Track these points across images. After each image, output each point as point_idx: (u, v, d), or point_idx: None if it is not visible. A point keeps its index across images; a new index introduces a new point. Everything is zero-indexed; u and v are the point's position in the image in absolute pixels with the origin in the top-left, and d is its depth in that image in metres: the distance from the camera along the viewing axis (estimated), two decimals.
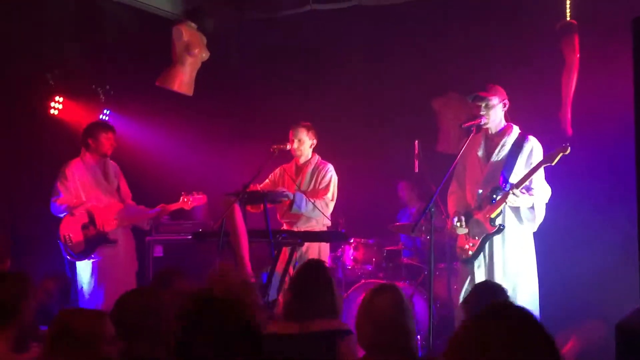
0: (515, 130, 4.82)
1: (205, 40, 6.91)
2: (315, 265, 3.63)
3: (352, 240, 6.32)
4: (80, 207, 5.51)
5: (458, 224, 4.80)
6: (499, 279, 4.60)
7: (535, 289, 4.76)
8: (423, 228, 5.58)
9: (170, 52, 6.79)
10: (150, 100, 6.97)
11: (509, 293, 3.90)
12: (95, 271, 5.52)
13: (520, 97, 5.07)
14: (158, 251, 6.43)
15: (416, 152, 5.41)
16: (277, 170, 5.81)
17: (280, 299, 4.64)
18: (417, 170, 5.40)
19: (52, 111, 6.55)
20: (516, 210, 4.71)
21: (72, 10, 6.57)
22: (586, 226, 5.58)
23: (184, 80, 6.84)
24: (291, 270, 4.78)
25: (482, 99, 4.78)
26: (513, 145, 4.77)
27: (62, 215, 5.54)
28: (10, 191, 6.35)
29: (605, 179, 5.57)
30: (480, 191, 4.78)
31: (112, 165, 5.82)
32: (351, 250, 6.35)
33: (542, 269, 4.83)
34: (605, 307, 4.53)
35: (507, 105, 4.84)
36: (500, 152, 4.79)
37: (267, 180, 5.78)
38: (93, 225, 5.48)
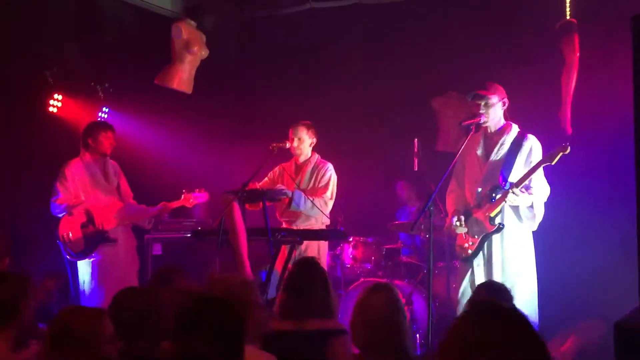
0: (515, 129, 4.82)
1: (204, 38, 6.90)
2: (309, 263, 3.63)
3: (351, 239, 6.33)
4: (79, 207, 5.50)
5: (457, 223, 4.79)
6: (498, 277, 4.60)
7: (534, 288, 4.76)
8: (422, 226, 5.57)
9: (170, 50, 6.78)
10: (150, 99, 6.96)
11: None
12: (96, 270, 5.51)
13: (520, 96, 5.06)
14: (157, 249, 6.41)
15: (415, 150, 5.41)
16: (277, 169, 5.80)
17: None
18: (416, 169, 5.41)
19: (50, 109, 6.54)
20: (516, 209, 4.71)
21: (72, 9, 6.56)
22: (586, 226, 5.57)
23: (183, 78, 6.83)
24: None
25: (482, 97, 4.77)
26: (512, 143, 4.77)
27: (61, 215, 5.52)
28: (10, 191, 6.33)
29: (605, 179, 5.57)
30: (480, 190, 4.77)
31: (112, 164, 5.80)
32: (350, 249, 6.36)
33: (542, 268, 4.83)
34: (605, 306, 4.51)
35: (506, 104, 4.84)
36: (500, 151, 4.78)
37: (266, 179, 5.77)
38: (92, 224, 5.48)
